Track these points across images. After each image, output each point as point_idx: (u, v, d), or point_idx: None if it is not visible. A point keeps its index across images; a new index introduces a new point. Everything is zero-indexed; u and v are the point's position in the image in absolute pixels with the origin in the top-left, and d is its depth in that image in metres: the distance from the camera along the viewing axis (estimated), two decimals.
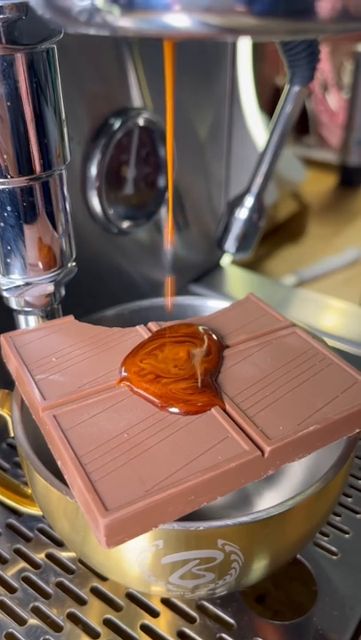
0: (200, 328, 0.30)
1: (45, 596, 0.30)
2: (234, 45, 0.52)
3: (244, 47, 0.57)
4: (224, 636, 0.29)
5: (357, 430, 0.26)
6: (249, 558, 0.24)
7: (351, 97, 1.27)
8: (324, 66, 1.35)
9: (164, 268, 0.49)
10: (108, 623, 0.29)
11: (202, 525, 0.22)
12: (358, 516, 0.35)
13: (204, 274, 0.58)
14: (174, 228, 0.49)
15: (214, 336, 0.29)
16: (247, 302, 0.33)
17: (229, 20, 0.15)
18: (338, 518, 0.35)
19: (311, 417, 0.24)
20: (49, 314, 0.31)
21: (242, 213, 0.44)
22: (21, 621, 0.29)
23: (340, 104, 1.40)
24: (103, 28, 0.16)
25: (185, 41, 0.20)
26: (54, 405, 0.25)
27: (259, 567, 0.25)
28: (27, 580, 0.31)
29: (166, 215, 0.47)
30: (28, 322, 0.32)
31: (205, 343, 0.28)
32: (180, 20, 0.15)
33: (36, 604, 0.30)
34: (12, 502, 0.31)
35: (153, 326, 0.31)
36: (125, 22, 0.16)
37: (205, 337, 0.29)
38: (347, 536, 0.33)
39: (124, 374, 0.27)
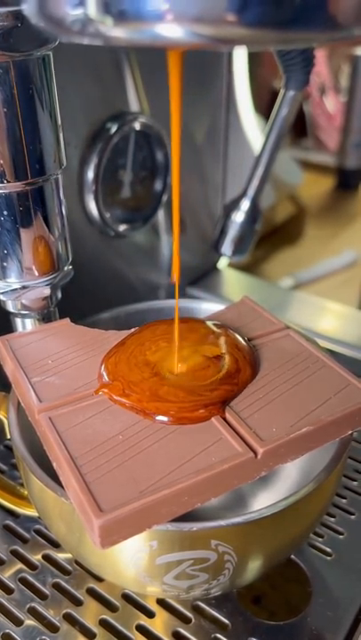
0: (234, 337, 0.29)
1: (42, 596, 0.31)
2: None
3: (241, 52, 0.57)
4: (219, 636, 0.29)
5: (350, 432, 0.26)
6: (242, 559, 0.24)
7: (349, 100, 1.27)
8: (322, 69, 1.36)
9: (161, 270, 0.50)
10: (104, 624, 0.29)
11: (195, 526, 0.22)
12: (353, 517, 0.35)
13: (200, 276, 0.58)
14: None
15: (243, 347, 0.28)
16: (242, 305, 0.34)
17: (220, 31, 0.15)
18: (332, 519, 0.35)
19: (304, 419, 0.25)
20: (45, 317, 0.32)
21: (238, 216, 0.45)
22: (18, 622, 0.29)
23: (337, 107, 1.40)
24: (96, 37, 0.16)
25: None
26: (50, 407, 0.25)
27: (252, 567, 0.26)
28: (23, 581, 0.31)
29: (163, 218, 0.47)
30: (25, 325, 0.32)
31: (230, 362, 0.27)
32: (172, 31, 0.15)
33: (33, 604, 0.30)
34: (8, 504, 0.31)
35: None
36: (118, 32, 0.16)
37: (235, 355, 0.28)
38: (341, 537, 0.34)
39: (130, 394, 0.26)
